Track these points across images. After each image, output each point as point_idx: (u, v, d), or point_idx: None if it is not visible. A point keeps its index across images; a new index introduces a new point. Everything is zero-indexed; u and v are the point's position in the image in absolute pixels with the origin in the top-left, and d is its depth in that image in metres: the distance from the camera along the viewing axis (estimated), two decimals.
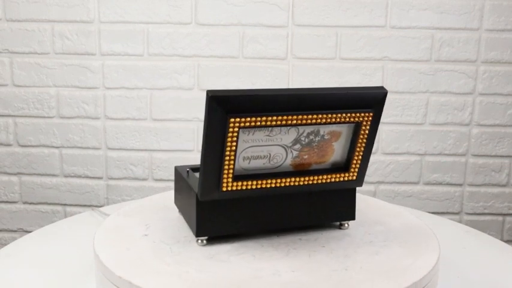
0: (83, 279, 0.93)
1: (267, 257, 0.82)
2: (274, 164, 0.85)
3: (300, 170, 0.88)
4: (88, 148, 1.61)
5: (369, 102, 0.84)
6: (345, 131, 0.86)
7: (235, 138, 0.78)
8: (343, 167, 0.91)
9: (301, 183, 0.86)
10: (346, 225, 0.95)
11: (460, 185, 1.62)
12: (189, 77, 1.57)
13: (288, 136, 0.83)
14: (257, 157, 0.83)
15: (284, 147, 0.84)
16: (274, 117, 0.79)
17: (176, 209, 1.00)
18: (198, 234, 0.86)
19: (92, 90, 1.59)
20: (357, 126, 0.86)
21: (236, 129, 0.78)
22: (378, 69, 1.56)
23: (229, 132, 0.78)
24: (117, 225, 0.94)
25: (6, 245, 1.12)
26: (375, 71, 1.56)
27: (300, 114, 0.80)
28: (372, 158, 1.60)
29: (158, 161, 1.61)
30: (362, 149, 0.89)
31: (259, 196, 0.86)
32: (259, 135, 0.81)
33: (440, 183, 1.62)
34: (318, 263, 0.81)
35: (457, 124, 1.59)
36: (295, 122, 0.80)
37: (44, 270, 0.97)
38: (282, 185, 0.85)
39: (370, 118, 0.85)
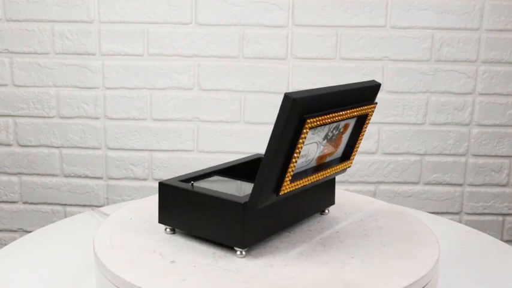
0: (83, 279, 0.93)
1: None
2: (307, 160, 0.86)
3: (320, 164, 0.90)
4: (88, 148, 1.61)
5: (371, 95, 0.91)
6: (352, 122, 0.91)
7: (304, 139, 0.78)
8: (346, 155, 0.95)
9: (323, 176, 0.89)
10: (327, 211, 1.01)
11: (460, 185, 1.62)
12: (189, 77, 1.57)
13: (321, 132, 0.84)
14: (301, 156, 0.83)
15: (317, 143, 0.85)
16: (331, 115, 0.81)
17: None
18: (244, 245, 0.81)
19: (92, 90, 1.59)
20: (363, 118, 0.91)
21: (308, 129, 0.77)
22: (378, 69, 1.56)
23: (302, 134, 0.77)
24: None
25: (6, 245, 1.12)
26: (375, 71, 1.56)
27: (341, 110, 0.83)
28: (372, 158, 1.60)
29: (158, 161, 1.61)
30: (362, 137, 0.95)
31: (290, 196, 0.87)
32: (309, 133, 0.81)
33: (440, 183, 1.62)
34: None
35: (457, 124, 1.59)
36: (338, 118, 0.83)
37: (44, 270, 0.97)
38: (315, 180, 0.87)
39: (374, 109, 0.92)
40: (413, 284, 0.76)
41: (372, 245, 0.88)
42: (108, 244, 0.87)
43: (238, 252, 0.82)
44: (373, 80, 0.91)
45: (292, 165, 0.78)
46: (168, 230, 0.90)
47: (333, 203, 1.01)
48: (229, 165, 1.01)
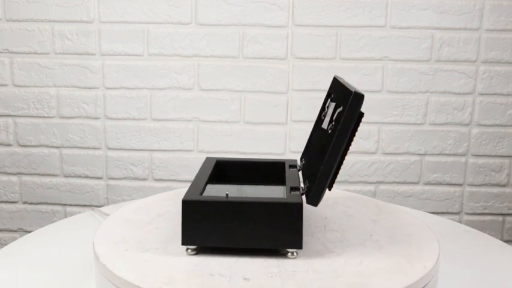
0: (83, 279, 0.93)
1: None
2: None
3: None
4: (88, 148, 1.61)
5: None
6: None
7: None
8: None
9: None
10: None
11: (460, 185, 1.62)
12: (189, 77, 1.57)
13: None
14: None
15: None
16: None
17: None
18: (301, 245, 0.81)
19: (92, 90, 1.59)
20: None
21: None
22: (378, 69, 1.56)
23: (357, 128, 0.80)
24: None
25: (6, 245, 1.12)
26: (375, 71, 1.56)
27: None
28: (372, 158, 1.60)
29: (158, 161, 1.61)
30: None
31: None
32: None
33: (440, 183, 1.62)
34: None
35: (457, 124, 1.59)
36: None
37: (44, 270, 0.97)
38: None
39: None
40: (413, 284, 0.76)
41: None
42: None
43: (290, 254, 0.82)
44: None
45: (343, 160, 0.80)
46: (189, 250, 0.82)
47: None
48: (209, 171, 0.98)
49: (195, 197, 0.82)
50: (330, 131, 0.85)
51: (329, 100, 0.98)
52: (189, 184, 1.55)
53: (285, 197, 0.85)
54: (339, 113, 0.83)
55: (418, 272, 0.79)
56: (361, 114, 0.79)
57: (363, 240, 0.90)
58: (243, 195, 0.90)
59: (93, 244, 0.87)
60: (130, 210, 1.02)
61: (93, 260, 0.87)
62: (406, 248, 0.87)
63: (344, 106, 0.81)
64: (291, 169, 1.01)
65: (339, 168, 0.80)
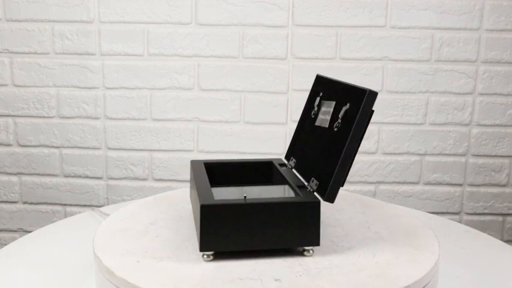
0: (83, 279, 0.93)
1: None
2: None
3: None
4: (88, 148, 1.61)
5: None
6: None
7: None
8: None
9: None
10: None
11: (460, 185, 1.62)
12: (189, 77, 1.57)
13: None
14: None
15: None
16: None
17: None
18: (319, 242, 0.83)
19: (92, 90, 1.59)
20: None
21: None
22: (378, 69, 1.56)
23: (368, 125, 0.82)
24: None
25: (6, 245, 1.12)
26: (375, 71, 1.56)
27: None
28: (372, 158, 1.60)
29: (158, 161, 1.61)
30: None
31: None
32: None
33: (440, 183, 1.62)
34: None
35: (457, 124, 1.59)
36: None
37: (44, 270, 0.97)
38: None
39: None
40: (413, 284, 0.76)
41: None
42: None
43: (307, 252, 0.83)
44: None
45: (355, 157, 0.82)
46: (205, 256, 0.81)
47: None
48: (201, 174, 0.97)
49: (213, 201, 0.80)
50: (335, 129, 0.86)
51: (318, 98, 0.98)
52: (188, 184, 1.54)
53: (295, 196, 0.86)
54: (346, 111, 0.84)
55: (418, 272, 0.79)
56: (372, 112, 0.82)
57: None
58: (256, 197, 0.91)
59: (93, 244, 0.87)
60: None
61: (93, 260, 0.86)
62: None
63: (354, 104, 0.82)
64: (283, 168, 1.01)
65: (351, 165, 0.83)
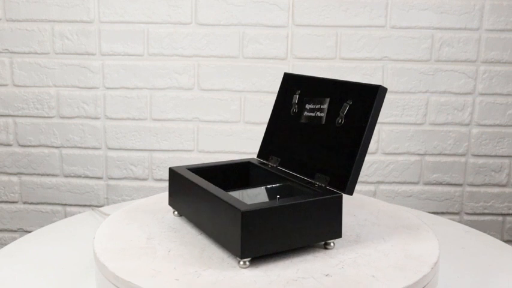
0: (83, 279, 0.94)
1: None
2: None
3: None
4: (88, 148, 1.61)
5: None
6: None
7: None
8: None
9: None
10: None
11: (460, 185, 1.62)
12: (189, 77, 1.57)
13: None
14: None
15: None
16: None
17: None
18: (341, 234, 0.86)
19: (92, 90, 1.59)
20: None
21: None
22: (378, 69, 1.56)
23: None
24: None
25: (6, 245, 1.12)
26: (375, 71, 1.56)
27: None
28: (372, 158, 1.60)
29: (158, 161, 1.61)
30: None
31: None
32: None
33: (440, 183, 1.62)
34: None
35: (457, 124, 1.59)
36: None
37: (44, 270, 0.97)
38: None
39: None
40: (413, 284, 0.76)
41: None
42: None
43: (329, 245, 0.86)
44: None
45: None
46: (242, 263, 0.78)
47: None
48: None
49: (251, 206, 0.79)
50: (338, 125, 0.88)
51: (297, 96, 0.98)
52: None
53: (313, 192, 0.87)
54: (350, 106, 0.87)
55: (418, 272, 0.79)
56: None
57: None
58: (263, 199, 0.92)
59: (93, 244, 0.87)
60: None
61: (93, 259, 0.86)
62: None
63: (360, 100, 0.86)
64: (268, 167, 1.00)
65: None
